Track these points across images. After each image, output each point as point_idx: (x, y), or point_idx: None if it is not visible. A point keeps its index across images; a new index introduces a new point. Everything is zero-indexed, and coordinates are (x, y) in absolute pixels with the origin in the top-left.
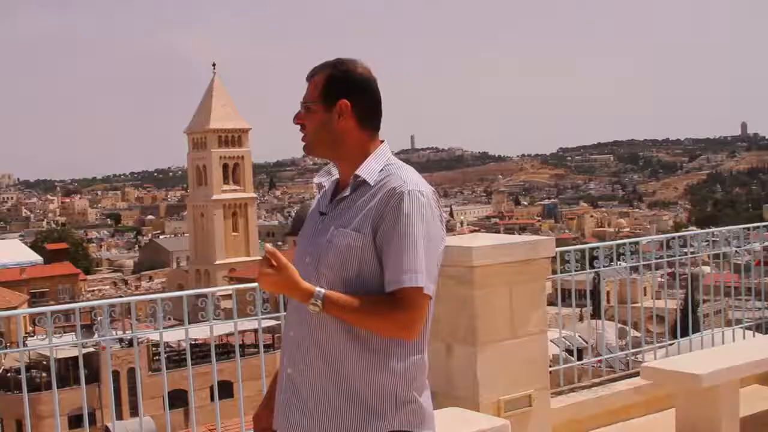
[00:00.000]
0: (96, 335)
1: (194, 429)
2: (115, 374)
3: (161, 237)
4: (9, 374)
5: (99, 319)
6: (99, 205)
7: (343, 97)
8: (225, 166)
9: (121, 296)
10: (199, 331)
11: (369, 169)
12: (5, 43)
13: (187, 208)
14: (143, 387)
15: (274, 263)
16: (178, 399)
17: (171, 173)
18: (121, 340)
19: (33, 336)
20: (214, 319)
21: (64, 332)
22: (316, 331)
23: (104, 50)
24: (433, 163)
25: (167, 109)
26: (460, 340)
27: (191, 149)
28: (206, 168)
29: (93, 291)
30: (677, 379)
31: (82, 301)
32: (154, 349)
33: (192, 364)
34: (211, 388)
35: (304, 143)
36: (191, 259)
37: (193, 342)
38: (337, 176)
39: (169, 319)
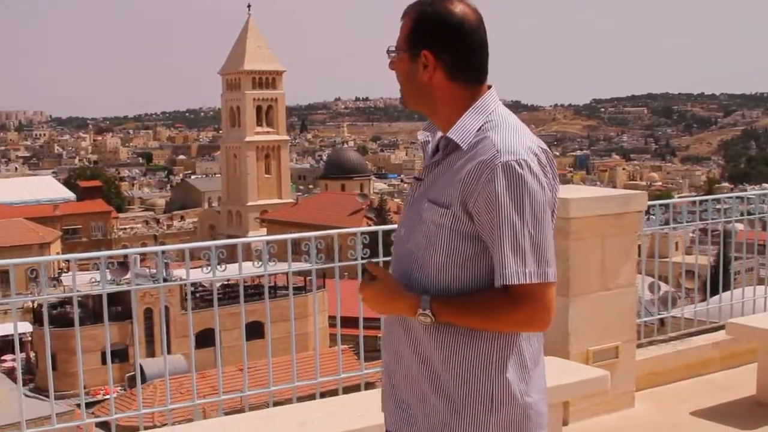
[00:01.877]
0: (129, 273)
1: (220, 368)
2: (149, 312)
3: (193, 177)
4: (43, 309)
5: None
6: (130, 143)
7: (427, 47)
8: (258, 108)
9: (154, 235)
10: (232, 273)
11: (463, 130)
12: None
13: (219, 149)
14: (176, 325)
15: (375, 274)
16: (209, 338)
17: (202, 113)
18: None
19: (67, 272)
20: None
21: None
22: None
23: None
24: None
25: (200, 49)
26: None
27: (225, 90)
28: (240, 109)
29: (125, 229)
30: (763, 336)
31: (114, 238)
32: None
33: (224, 305)
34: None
35: (401, 94)
36: (223, 200)
37: (225, 282)
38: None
39: (204, 256)
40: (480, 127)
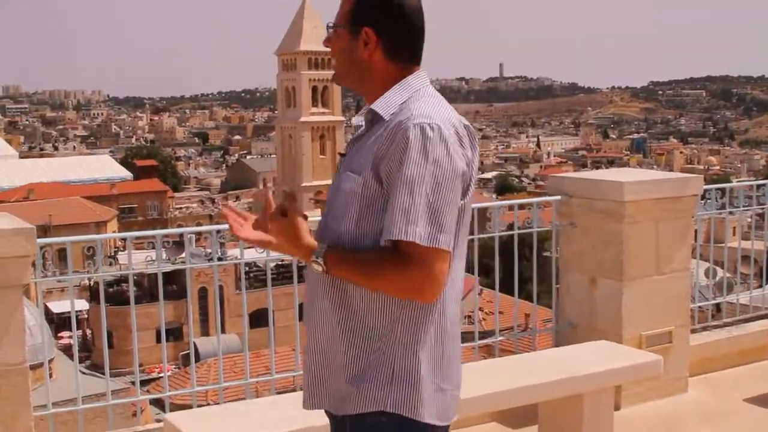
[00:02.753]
0: (184, 252)
1: (272, 348)
2: (204, 291)
3: (248, 157)
4: (99, 287)
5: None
6: (187, 123)
7: (369, 25)
8: (314, 89)
9: (209, 214)
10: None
11: (386, 102)
12: None
13: (274, 129)
14: (230, 305)
15: (288, 210)
16: (263, 318)
17: (258, 94)
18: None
19: (123, 251)
20: None
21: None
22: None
23: None
24: (521, 93)
25: (257, 29)
26: (605, 274)
27: (281, 70)
28: (295, 90)
29: (180, 208)
30: None
31: (170, 217)
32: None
33: (278, 284)
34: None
35: (334, 70)
36: (277, 181)
37: (280, 262)
38: None
39: None
40: (404, 102)
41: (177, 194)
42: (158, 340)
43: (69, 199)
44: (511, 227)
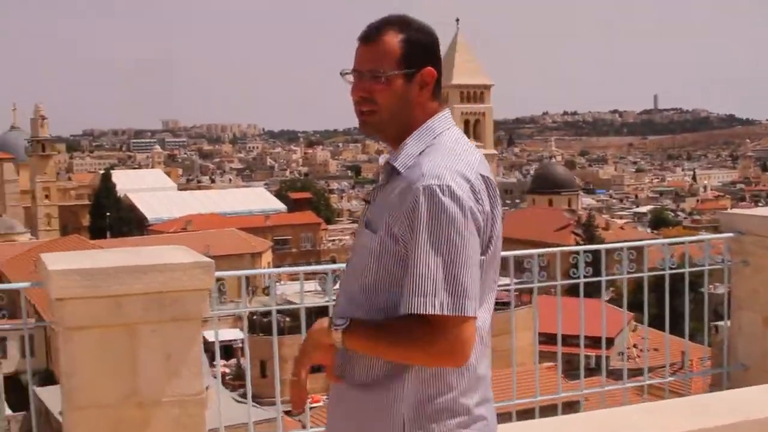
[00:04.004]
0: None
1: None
2: None
3: None
4: (255, 317)
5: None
6: (340, 156)
7: (428, 65)
8: (466, 122)
9: None
10: None
11: (406, 154)
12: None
13: None
14: None
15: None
16: None
17: None
18: None
19: (279, 282)
20: None
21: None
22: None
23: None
24: (677, 125)
25: None
26: None
27: None
28: None
29: (333, 240)
30: None
31: (323, 249)
32: None
33: None
34: None
35: (368, 120)
36: None
37: None
38: None
39: None
40: (422, 152)
41: (330, 226)
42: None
43: (225, 230)
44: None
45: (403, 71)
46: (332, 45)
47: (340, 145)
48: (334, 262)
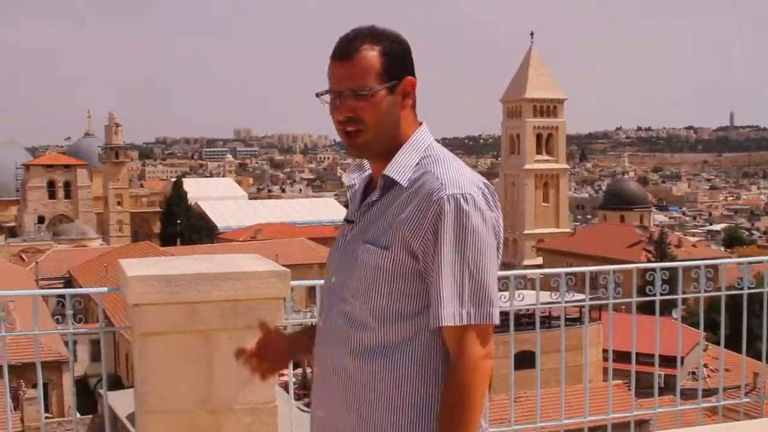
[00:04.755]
0: None
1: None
2: None
3: None
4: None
5: None
6: None
7: (407, 74)
8: (538, 136)
9: None
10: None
11: (401, 165)
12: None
13: (498, 176)
14: None
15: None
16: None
17: (482, 140)
18: None
19: None
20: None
21: None
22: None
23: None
24: (753, 142)
25: (481, 76)
26: None
27: (505, 118)
28: (520, 137)
29: None
30: None
31: None
32: None
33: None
34: (516, 356)
35: (356, 142)
36: None
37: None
38: (369, 172)
39: None
40: (418, 162)
41: None
42: None
43: (294, 239)
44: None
45: (386, 85)
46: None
47: None
48: None
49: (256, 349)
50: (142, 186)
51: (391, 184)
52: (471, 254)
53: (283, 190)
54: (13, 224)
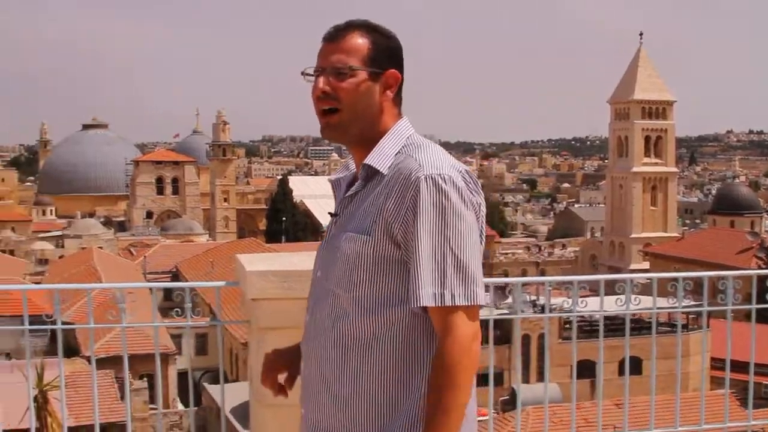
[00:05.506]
0: (509, 298)
1: (600, 401)
2: (526, 338)
3: (576, 206)
4: None
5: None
6: (516, 169)
7: (393, 67)
8: (647, 138)
9: (536, 261)
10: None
11: (381, 154)
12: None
13: (604, 178)
14: (552, 354)
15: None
16: (586, 369)
17: (588, 142)
18: (534, 306)
19: None
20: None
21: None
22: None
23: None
24: None
25: (588, 77)
26: None
27: (613, 119)
28: (627, 139)
29: (506, 254)
30: None
31: (495, 262)
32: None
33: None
34: (621, 362)
35: (330, 121)
36: (606, 231)
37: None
38: (354, 168)
39: (584, 288)
40: (398, 151)
41: (503, 239)
42: (478, 383)
43: None
44: None
45: (368, 69)
46: (510, 58)
47: (517, 158)
48: (506, 275)
49: (270, 371)
50: (248, 183)
51: (372, 173)
52: (452, 234)
53: None
54: (122, 219)
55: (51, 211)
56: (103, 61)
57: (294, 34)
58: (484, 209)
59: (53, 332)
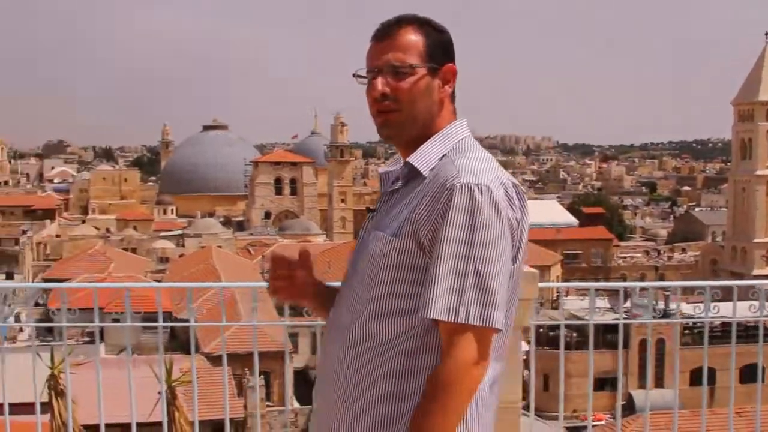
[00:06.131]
0: (628, 302)
1: (731, 409)
2: (644, 343)
3: (697, 209)
4: (541, 330)
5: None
6: (635, 172)
7: (451, 62)
8: None
9: (654, 266)
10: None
11: (425, 155)
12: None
13: (726, 181)
14: (671, 359)
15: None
16: (702, 377)
17: (710, 144)
18: (654, 311)
19: (566, 296)
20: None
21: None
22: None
23: (650, 15)
24: None
25: (710, 77)
26: None
27: (736, 121)
28: (751, 141)
29: (624, 257)
30: None
31: (613, 266)
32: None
33: (720, 344)
34: (741, 370)
35: (390, 119)
36: (727, 235)
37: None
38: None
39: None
40: (444, 155)
41: (622, 243)
42: (596, 387)
43: None
44: None
45: (427, 65)
46: (630, 58)
47: (636, 160)
48: (624, 279)
49: (284, 263)
50: (365, 184)
51: (413, 173)
52: (478, 249)
53: None
54: (241, 218)
55: (172, 210)
56: (223, 63)
57: None
58: (526, 226)
59: (172, 329)
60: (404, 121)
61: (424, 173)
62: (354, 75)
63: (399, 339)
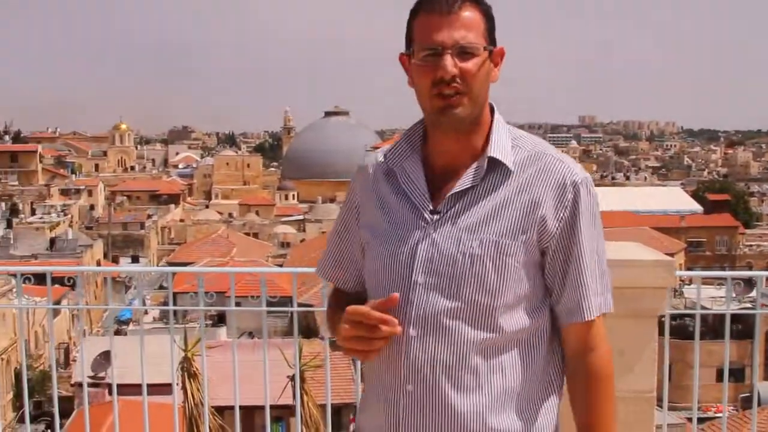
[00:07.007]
0: (753, 292)
1: None
2: None
3: None
4: (662, 319)
5: None
6: (762, 158)
7: (496, 43)
8: None
9: None
10: None
11: (501, 146)
12: None
13: None
14: None
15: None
16: None
17: None
18: None
19: (689, 285)
20: None
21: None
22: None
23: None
24: None
25: None
26: None
27: None
28: None
29: (751, 246)
30: None
31: (739, 254)
32: None
33: None
34: None
35: (457, 104)
36: None
37: None
38: (419, 155)
39: None
40: (513, 145)
41: (748, 231)
42: (718, 378)
43: (637, 228)
44: None
45: (489, 47)
46: (757, 39)
47: (764, 146)
48: (750, 267)
49: (363, 323)
50: None
51: (492, 167)
52: (601, 242)
53: (627, 178)
54: None
55: (293, 195)
56: (343, 50)
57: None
58: None
59: (292, 313)
60: (467, 106)
61: (510, 167)
62: (405, 54)
63: (512, 342)
